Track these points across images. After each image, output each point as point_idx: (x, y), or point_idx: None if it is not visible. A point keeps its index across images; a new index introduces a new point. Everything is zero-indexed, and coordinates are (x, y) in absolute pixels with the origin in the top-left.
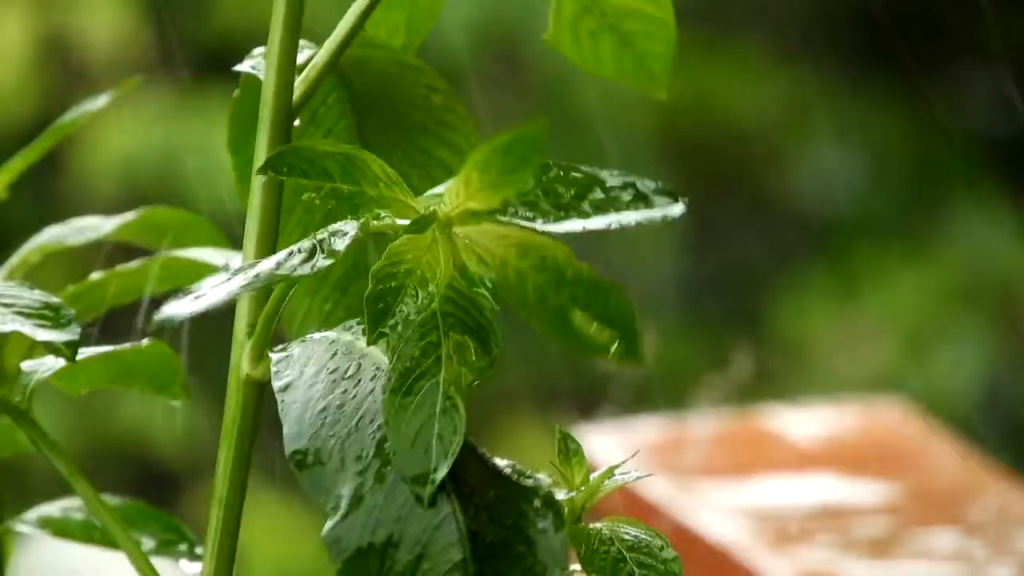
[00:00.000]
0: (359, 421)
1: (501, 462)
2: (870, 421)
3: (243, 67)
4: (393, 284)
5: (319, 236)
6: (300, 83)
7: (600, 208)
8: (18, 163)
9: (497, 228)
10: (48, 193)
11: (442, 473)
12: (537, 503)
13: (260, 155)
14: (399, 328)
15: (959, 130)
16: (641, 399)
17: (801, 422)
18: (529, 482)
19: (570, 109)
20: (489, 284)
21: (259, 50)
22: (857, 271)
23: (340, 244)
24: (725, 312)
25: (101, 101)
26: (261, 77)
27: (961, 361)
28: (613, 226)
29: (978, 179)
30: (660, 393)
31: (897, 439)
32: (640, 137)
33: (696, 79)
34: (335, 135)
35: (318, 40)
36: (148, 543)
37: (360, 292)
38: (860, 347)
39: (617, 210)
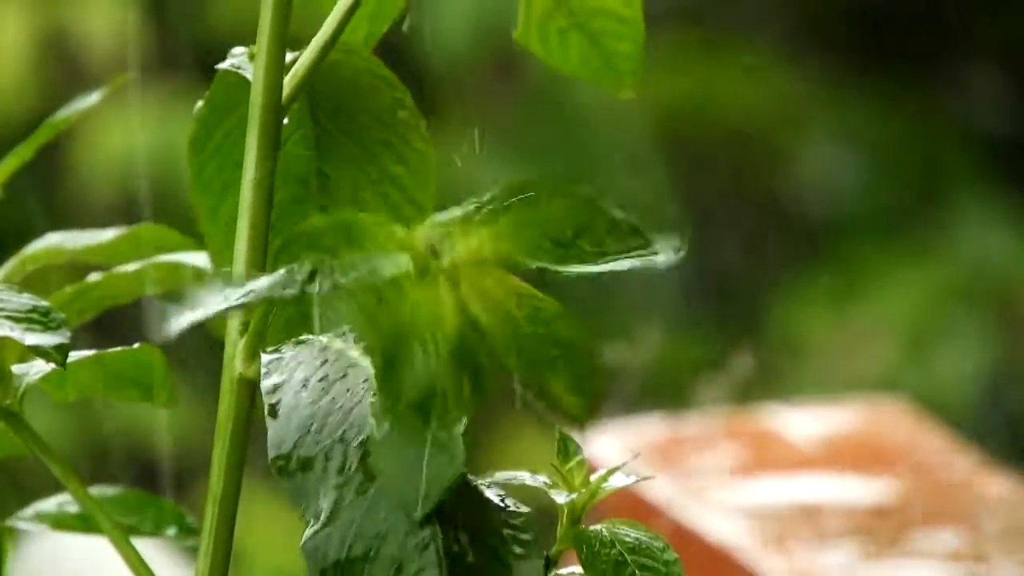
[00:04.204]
0: (344, 432)
1: (483, 484)
2: (870, 421)
3: (225, 66)
4: (399, 340)
5: (325, 262)
6: (288, 82)
7: (599, 250)
8: (12, 162)
9: (501, 277)
10: (48, 193)
11: (429, 508)
12: (516, 529)
13: (250, 155)
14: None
15: (959, 130)
16: (641, 399)
17: (801, 422)
18: (509, 506)
19: (569, 109)
20: (495, 336)
21: (239, 49)
22: (857, 271)
23: (343, 279)
24: (725, 312)
25: (93, 99)
26: (246, 76)
27: (961, 361)
28: (609, 270)
29: (978, 179)
30: (660, 393)
31: (897, 439)
32: (639, 137)
33: (696, 79)
34: (292, 143)
35: (295, 44)
36: (145, 527)
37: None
38: (860, 347)
39: (616, 252)
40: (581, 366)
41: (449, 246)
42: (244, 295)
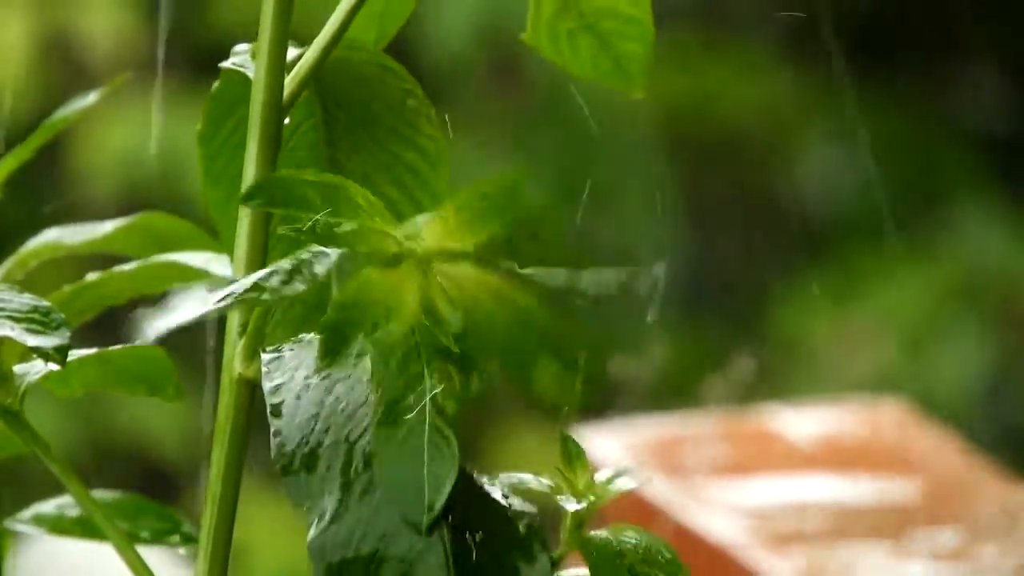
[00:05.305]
0: (349, 431)
1: (489, 483)
2: (870, 421)
3: (227, 64)
4: (352, 315)
5: (301, 257)
6: (290, 81)
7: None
8: (11, 162)
9: (475, 270)
10: (49, 193)
11: (438, 506)
12: (523, 530)
13: (251, 153)
14: (357, 358)
15: (959, 130)
16: (642, 399)
17: (801, 422)
18: (514, 505)
19: (569, 109)
20: (457, 324)
21: (242, 47)
22: (857, 271)
23: (320, 269)
24: (725, 312)
25: (91, 98)
26: (249, 74)
27: (961, 361)
28: (590, 289)
29: (978, 179)
30: (662, 393)
31: (897, 439)
32: (639, 137)
33: (696, 79)
34: (302, 133)
35: (302, 41)
36: (145, 534)
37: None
38: (860, 347)
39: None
40: (566, 360)
41: (424, 237)
42: (225, 299)
